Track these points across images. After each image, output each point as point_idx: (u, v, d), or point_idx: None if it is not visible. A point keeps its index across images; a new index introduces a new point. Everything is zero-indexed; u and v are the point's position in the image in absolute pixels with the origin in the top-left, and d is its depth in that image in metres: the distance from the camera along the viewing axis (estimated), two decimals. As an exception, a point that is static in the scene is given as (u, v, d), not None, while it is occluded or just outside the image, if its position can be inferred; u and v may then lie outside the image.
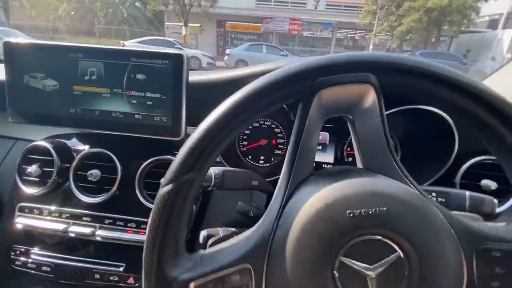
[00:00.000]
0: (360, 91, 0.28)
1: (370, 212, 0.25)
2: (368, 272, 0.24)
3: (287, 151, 0.30)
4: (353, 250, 0.25)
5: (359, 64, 0.28)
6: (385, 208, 0.25)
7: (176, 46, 9.72)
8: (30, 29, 16.84)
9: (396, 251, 0.25)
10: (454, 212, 0.29)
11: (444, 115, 0.56)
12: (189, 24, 14.48)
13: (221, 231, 0.38)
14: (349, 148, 0.70)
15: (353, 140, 0.32)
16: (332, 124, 0.71)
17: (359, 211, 0.25)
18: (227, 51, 10.57)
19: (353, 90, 0.28)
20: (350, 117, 0.30)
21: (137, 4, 20.17)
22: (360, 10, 15.90)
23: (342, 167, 0.33)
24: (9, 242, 0.64)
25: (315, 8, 17.52)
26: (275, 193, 0.30)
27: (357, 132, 0.29)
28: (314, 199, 0.26)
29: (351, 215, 0.25)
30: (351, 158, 0.70)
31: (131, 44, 9.51)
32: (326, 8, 17.41)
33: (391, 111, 0.62)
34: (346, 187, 0.26)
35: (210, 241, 0.36)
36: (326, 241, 0.25)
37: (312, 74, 0.28)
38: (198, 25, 15.00)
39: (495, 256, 0.27)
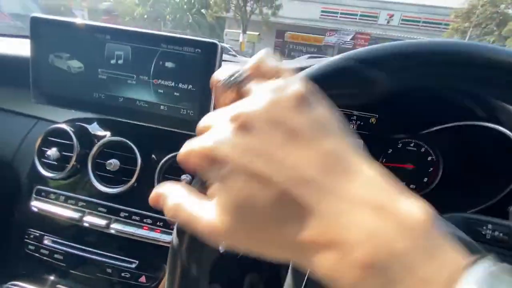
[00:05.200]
0: None
1: None
2: None
3: None
4: None
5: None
6: None
7: (230, 53, 10.12)
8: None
9: None
10: None
11: (508, 132, 0.52)
12: (247, 32, 15.28)
13: None
14: (384, 159, 0.67)
15: None
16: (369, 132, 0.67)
17: None
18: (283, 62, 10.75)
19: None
20: None
21: (203, 11, 22.22)
22: (443, 28, 14.74)
23: None
24: (24, 225, 0.66)
25: (388, 22, 16.85)
26: None
27: None
28: None
29: None
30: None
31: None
32: (401, 24, 16.60)
33: (437, 128, 0.61)
34: None
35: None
36: None
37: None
38: (257, 33, 15.73)
39: None
